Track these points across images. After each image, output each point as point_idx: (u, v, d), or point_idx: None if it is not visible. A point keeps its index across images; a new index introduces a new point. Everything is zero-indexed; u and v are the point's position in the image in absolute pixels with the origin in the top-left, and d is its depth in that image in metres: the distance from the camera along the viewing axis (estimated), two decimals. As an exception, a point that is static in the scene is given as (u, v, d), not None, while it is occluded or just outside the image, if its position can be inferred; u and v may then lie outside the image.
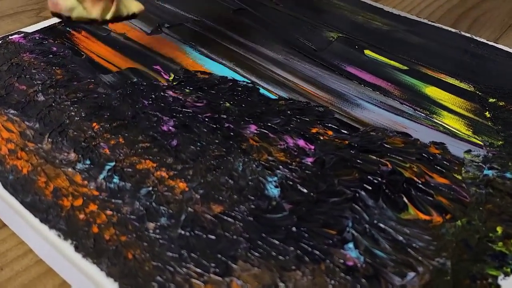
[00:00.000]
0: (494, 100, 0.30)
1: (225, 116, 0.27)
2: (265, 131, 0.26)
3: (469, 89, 0.31)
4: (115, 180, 0.22)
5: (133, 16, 0.28)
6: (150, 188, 0.22)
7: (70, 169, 0.23)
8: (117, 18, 0.27)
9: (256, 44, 0.34)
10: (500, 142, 0.27)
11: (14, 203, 0.21)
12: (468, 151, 0.26)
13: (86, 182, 0.22)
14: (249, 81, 0.30)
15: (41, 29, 0.34)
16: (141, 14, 0.28)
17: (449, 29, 0.38)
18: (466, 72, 0.33)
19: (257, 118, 0.27)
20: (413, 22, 0.39)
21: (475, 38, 0.37)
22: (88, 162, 0.23)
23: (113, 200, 0.21)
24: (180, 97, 0.28)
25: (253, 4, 0.40)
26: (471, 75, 0.32)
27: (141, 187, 0.22)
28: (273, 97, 0.29)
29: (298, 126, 0.27)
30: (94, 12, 0.26)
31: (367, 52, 0.34)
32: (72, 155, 0.23)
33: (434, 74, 0.32)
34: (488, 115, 0.29)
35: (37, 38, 0.32)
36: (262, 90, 0.29)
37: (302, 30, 0.37)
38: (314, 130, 0.27)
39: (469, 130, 0.27)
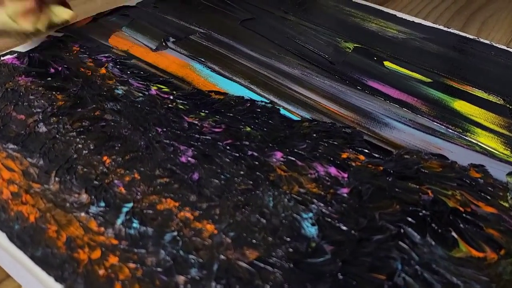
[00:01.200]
0: (526, 114, 0.28)
1: (247, 143, 0.25)
2: (292, 158, 0.24)
3: (499, 103, 0.29)
4: (135, 225, 0.20)
5: (67, 22, 0.30)
6: (176, 233, 0.20)
7: (83, 214, 0.20)
8: (51, 27, 0.29)
9: (269, 58, 0.32)
10: (541, 161, 0.25)
11: (23, 258, 0.18)
12: (511, 174, 0.24)
13: (102, 228, 0.20)
14: (268, 101, 0.28)
15: (36, 47, 0.31)
16: (74, 19, 0.30)
17: (467, 35, 0.37)
18: (492, 83, 0.31)
19: (281, 143, 0.25)
20: (429, 29, 0.37)
21: (495, 45, 0.35)
22: (102, 204, 0.21)
23: (135, 250, 0.19)
24: (196, 122, 0.26)
25: (260, 13, 0.37)
26: (497, 86, 0.31)
27: (165, 232, 0.20)
28: (295, 118, 0.27)
29: (327, 151, 0.25)
30: (26, 25, 0.28)
31: (386, 63, 0.33)
32: (84, 197, 0.21)
33: (459, 86, 0.31)
34: (523, 131, 0.27)
35: (33, 58, 0.30)
36: (282, 111, 0.27)
37: (314, 40, 0.34)
38: (344, 155, 0.24)
39: (507, 149, 0.26)
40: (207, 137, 0.25)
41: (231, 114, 0.27)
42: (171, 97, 0.27)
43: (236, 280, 0.18)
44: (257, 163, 0.24)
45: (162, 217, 0.20)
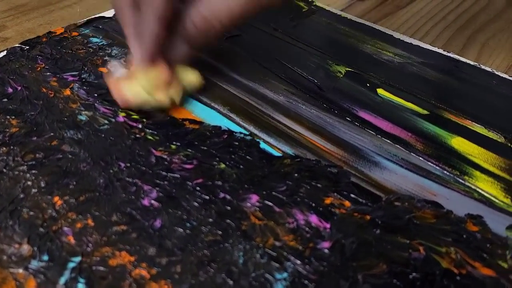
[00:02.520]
0: (528, 154, 0.26)
1: (220, 183, 0.22)
2: (269, 203, 0.21)
3: (499, 140, 0.27)
4: (80, 286, 0.17)
5: (196, 88, 0.27)
6: (127, 297, 0.17)
7: (21, 270, 0.17)
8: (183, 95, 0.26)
9: (253, 82, 0.29)
10: (544, 213, 0.23)
11: None
12: (510, 227, 0.22)
13: (42, 290, 0.17)
14: (247, 133, 0.25)
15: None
16: (202, 85, 0.27)
17: (467, 61, 0.34)
18: (493, 117, 0.29)
19: (258, 184, 0.22)
20: (427, 53, 0.35)
21: (497, 73, 0.33)
22: (45, 257, 0.18)
23: (77, 319, 0.16)
24: (165, 157, 0.23)
25: (248, 29, 0.35)
26: (498, 121, 0.28)
27: (114, 295, 0.17)
28: (276, 154, 0.24)
29: (309, 196, 0.22)
30: (164, 99, 0.25)
31: (380, 91, 0.30)
32: (26, 248, 0.18)
33: (458, 120, 0.28)
34: (526, 176, 0.25)
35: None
36: (262, 145, 0.25)
37: (303, 62, 0.32)
38: (328, 201, 0.22)
39: (507, 197, 0.23)
40: (176, 175, 0.22)
41: (205, 148, 0.24)
42: (140, 126, 0.25)
43: None
44: (229, 208, 0.21)
45: (113, 276, 0.18)
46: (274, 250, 0.19)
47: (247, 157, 0.24)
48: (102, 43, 0.31)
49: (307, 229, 0.20)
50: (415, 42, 0.36)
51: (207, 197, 0.21)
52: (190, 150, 0.24)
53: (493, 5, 0.54)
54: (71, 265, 0.18)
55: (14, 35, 0.35)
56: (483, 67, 0.34)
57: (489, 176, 0.24)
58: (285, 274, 0.19)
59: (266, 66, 0.31)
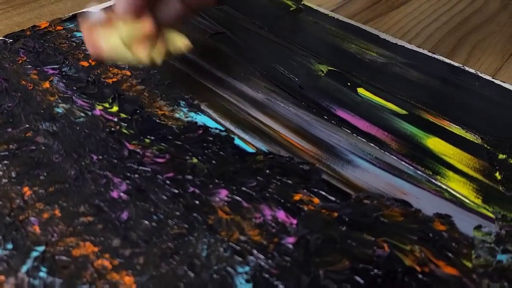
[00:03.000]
0: (504, 156, 0.26)
1: (190, 177, 0.22)
2: (238, 198, 0.22)
3: (476, 141, 0.27)
4: (42, 274, 0.17)
5: (182, 53, 0.24)
6: (87, 286, 0.17)
7: (-16, 258, 0.18)
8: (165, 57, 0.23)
9: (234, 78, 0.30)
10: (515, 214, 0.23)
11: None
12: (478, 228, 0.22)
13: (3, 277, 0.17)
14: (223, 128, 0.26)
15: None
16: (189, 50, 0.24)
17: (452, 63, 0.34)
18: (472, 118, 0.29)
19: (229, 179, 0.22)
20: (412, 53, 0.35)
21: (480, 75, 0.33)
22: (10, 246, 0.18)
23: (34, 307, 0.16)
24: (138, 150, 0.23)
25: (233, 27, 0.35)
26: (477, 123, 0.28)
27: (75, 285, 0.17)
28: (250, 150, 0.24)
29: (278, 192, 0.22)
30: (142, 54, 0.22)
31: (360, 91, 0.30)
32: (-9, 236, 0.18)
33: (436, 120, 0.28)
34: (499, 177, 0.25)
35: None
36: (237, 141, 0.25)
37: (286, 61, 0.32)
38: (297, 197, 0.22)
39: (478, 198, 0.23)
40: (147, 168, 0.22)
41: (179, 142, 0.24)
42: (116, 119, 0.25)
43: None
44: (197, 202, 0.21)
45: (76, 265, 0.18)
46: (238, 244, 0.20)
47: (220, 152, 0.24)
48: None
49: (273, 224, 0.21)
50: (400, 42, 0.36)
51: (176, 191, 0.21)
52: (163, 145, 0.24)
53: (486, 8, 0.54)
54: (34, 254, 0.18)
55: (3, 29, 0.35)
56: (467, 69, 0.34)
57: (462, 177, 0.24)
58: (247, 268, 0.19)
59: (248, 63, 0.31)
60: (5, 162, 0.22)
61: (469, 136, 0.27)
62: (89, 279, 0.17)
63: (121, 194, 0.21)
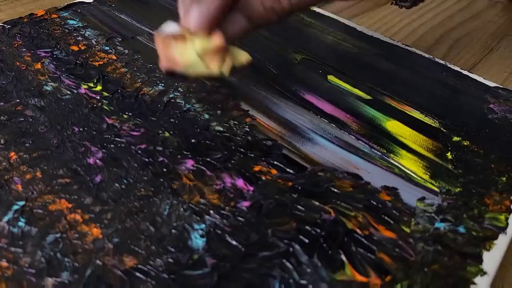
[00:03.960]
0: (458, 138, 0.28)
1: (161, 149, 0.25)
2: (202, 167, 0.24)
3: (434, 125, 0.29)
4: (20, 224, 0.20)
5: (243, 67, 0.24)
6: (59, 235, 0.20)
7: (-28, 209, 0.20)
8: (232, 70, 0.23)
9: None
10: (458, 189, 0.25)
11: None
12: (422, 199, 0.24)
13: (-13, 225, 0.20)
14: (198, 108, 0.28)
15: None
16: (248, 65, 0.24)
17: (424, 54, 0.36)
18: (434, 105, 0.31)
19: (196, 152, 0.25)
20: (386, 45, 0.37)
21: (449, 65, 0.35)
22: (-6, 200, 0.21)
23: (12, 249, 0.19)
24: (116, 124, 0.26)
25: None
26: (438, 109, 0.30)
27: (48, 233, 0.20)
28: (220, 128, 0.27)
29: (240, 163, 0.24)
30: (213, 66, 0.22)
31: (330, 78, 0.32)
32: (-22, 192, 0.21)
33: (398, 106, 0.30)
34: (450, 157, 0.27)
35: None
36: (207, 118, 0.27)
37: (264, 49, 0.34)
38: (257, 168, 0.24)
39: (426, 174, 0.25)
40: (122, 139, 0.25)
41: (154, 118, 0.27)
42: (98, 97, 0.27)
43: (106, 287, 0.18)
44: (165, 170, 0.24)
45: (51, 218, 0.20)
46: (198, 206, 0.22)
47: (192, 128, 0.26)
48: (77, 25, 0.34)
49: (232, 190, 0.23)
50: (376, 35, 0.38)
51: (147, 160, 0.24)
52: (139, 120, 0.26)
53: (474, 6, 0.55)
54: (15, 207, 0.21)
55: (6, 17, 0.38)
56: (436, 59, 0.36)
57: (414, 155, 0.26)
58: (202, 226, 0.21)
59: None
60: (-4, 131, 0.24)
61: (428, 120, 0.29)
62: (62, 229, 0.20)
63: (97, 160, 0.23)
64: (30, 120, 0.25)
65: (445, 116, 0.30)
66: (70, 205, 0.21)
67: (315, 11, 0.41)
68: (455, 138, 0.28)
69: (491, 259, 0.21)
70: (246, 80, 0.31)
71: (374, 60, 0.35)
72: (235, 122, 0.27)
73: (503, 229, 0.23)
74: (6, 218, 0.20)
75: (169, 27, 0.22)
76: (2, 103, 0.26)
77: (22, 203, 0.21)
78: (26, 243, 0.19)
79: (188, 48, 0.22)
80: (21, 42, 0.31)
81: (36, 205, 0.21)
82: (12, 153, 0.23)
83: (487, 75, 0.40)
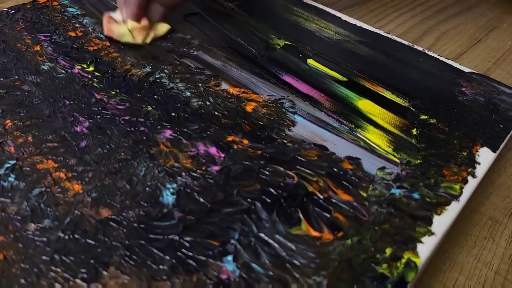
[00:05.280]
0: (426, 117, 0.30)
1: (142, 120, 0.27)
2: (179, 137, 0.26)
3: (404, 105, 0.31)
4: (10, 179, 0.22)
5: (165, 35, 0.35)
6: (44, 189, 0.22)
7: (-31, 166, 0.23)
8: (154, 40, 0.34)
9: (198, 50, 0.34)
10: (418, 161, 0.26)
11: None
12: (382, 168, 0.25)
13: (-19, 179, 0.22)
14: (181, 87, 0.30)
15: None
16: (168, 33, 0.35)
17: (404, 42, 0.38)
18: (407, 87, 0.32)
19: (176, 123, 0.27)
20: (367, 33, 0.38)
21: (427, 52, 0.37)
22: (-11, 159, 0.23)
23: (1, 199, 0.21)
24: (104, 99, 0.28)
25: (208, 9, 0.40)
26: (411, 91, 0.32)
27: (34, 187, 0.22)
28: (199, 103, 0.29)
29: (215, 134, 0.26)
30: (139, 39, 0.33)
31: (310, 61, 0.34)
32: (-25, 152, 0.24)
33: (372, 87, 0.32)
34: (415, 132, 0.28)
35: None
36: (188, 95, 0.29)
37: (248, 36, 0.36)
38: (229, 138, 0.26)
39: (390, 147, 0.27)
40: (108, 112, 0.27)
41: (139, 95, 0.29)
42: (90, 76, 0.30)
43: (81, 233, 0.20)
44: (145, 138, 0.26)
45: (38, 175, 0.23)
46: (171, 169, 0.24)
47: (173, 103, 0.28)
48: (76, 12, 0.37)
49: (204, 156, 0.25)
50: (359, 24, 0.40)
51: (129, 129, 0.26)
52: (125, 96, 0.29)
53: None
54: (6, 165, 0.23)
55: (13, 5, 0.41)
56: (415, 47, 0.37)
57: (380, 130, 0.28)
58: (174, 185, 0.23)
59: (212, 37, 0.36)
60: (-6, 102, 0.27)
61: (399, 100, 0.31)
62: (47, 184, 0.22)
63: (84, 129, 0.26)
64: (26, 93, 0.28)
65: (416, 97, 0.31)
66: (56, 165, 0.23)
67: (303, 1, 0.43)
68: (423, 116, 0.30)
69: (441, 222, 0.23)
70: (229, 63, 0.33)
71: (354, 46, 0.36)
72: (215, 98, 0.29)
73: (457, 197, 0.24)
74: (-2, 174, 0.23)
75: (115, 14, 0.34)
76: (2, 79, 0.29)
77: (13, 162, 0.23)
78: (14, 195, 0.22)
79: (122, 25, 0.33)
80: (23, 26, 0.34)
81: (25, 164, 0.23)
82: (8, 121, 0.26)
83: (470, 65, 0.42)
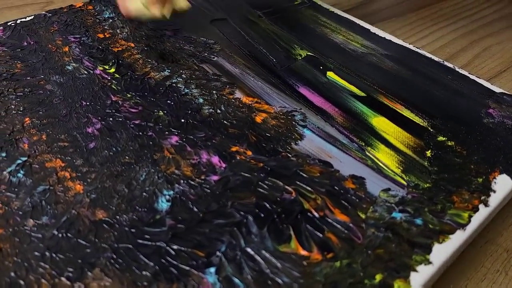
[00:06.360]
0: (444, 139, 0.28)
1: (152, 125, 0.28)
2: (185, 144, 0.26)
3: (422, 124, 0.29)
4: (19, 175, 0.24)
5: (184, 11, 0.34)
6: (47, 187, 0.23)
7: (-16, 159, 0.24)
8: (173, 13, 0.33)
9: (218, 55, 0.35)
10: (428, 185, 0.25)
11: None
12: (386, 190, 0.25)
13: (-8, 173, 0.24)
14: (196, 93, 0.31)
15: (24, 21, 0.36)
16: (189, 10, 0.34)
17: (433, 57, 0.36)
18: (428, 105, 0.31)
19: (183, 130, 0.27)
20: (395, 46, 0.37)
21: (457, 69, 0.35)
22: (3, 154, 0.25)
23: (7, 194, 0.23)
24: (119, 102, 0.29)
25: (234, 15, 0.40)
26: (432, 110, 0.31)
27: (39, 185, 0.23)
28: (210, 110, 0.29)
29: (221, 142, 0.27)
30: (156, 12, 0.32)
31: (329, 74, 0.34)
32: (-8, 146, 0.25)
33: (390, 104, 0.31)
34: (429, 154, 0.27)
35: (15, 31, 0.35)
36: (200, 101, 0.30)
37: (271, 44, 0.36)
38: (234, 149, 0.26)
39: (399, 168, 0.26)
40: (121, 115, 0.28)
41: (153, 99, 0.30)
42: (109, 78, 0.31)
43: (75, 232, 0.21)
44: (151, 143, 0.26)
45: (45, 173, 0.24)
46: (171, 175, 0.24)
47: (185, 110, 0.29)
48: (108, 16, 0.38)
49: (205, 165, 0.25)
50: (388, 36, 0.39)
51: (137, 133, 0.27)
52: (139, 99, 0.29)
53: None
54: (18, 161, 0.24)
55: (60, 5, 0.44)
56: (446, 63, 0.36)
57: (391, 150, 0.27)
58: (171, 192, 0.24)
59: (236, 44, 0.36)
60: (18, 100, 0.28)
61: (417, 119, 0.30)
62: (51, 183, 0.23)
63: (95, 130, 0.27)
64: (48, 93, 0.29)
65: (436, 116, 0.30)
66: (63, 164, 0.25)
67: (333, 12, 0.42)
68: (440, 138, 0.28)
69: (441, 251, 0.22)
70: (247, 71, 0.33)
71: (379, 60, 0.35)
72: (226, 107, 0.29)
73: (463, 226, 0.23)
74: (9, 169, 0.24)
75: None
76: (29, 78, 0.30)
77: (24, 158, 0.25)
78: (20, 190, 0.23)
79: (137, 2, 0.31)
80: (56, 28, 0.36)
81: (35, 161, 0.24)
82: (27, 119, 0.27)
83: (509, 85, 0.39)
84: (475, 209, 0.24)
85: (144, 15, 0.32)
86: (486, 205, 0.24)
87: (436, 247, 0.22)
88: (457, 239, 0.22)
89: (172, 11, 0.33)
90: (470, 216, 0.23)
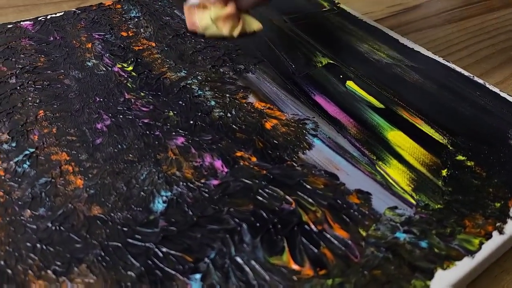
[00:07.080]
0: (463, 158, 0.27)
1: (160, 124, 0.27)
2: (190, 145, 0.26)
3: (441, 141, 0.28)
4: (25, 165, 0.24)
5: (254, 33, 0.31)
6: (49, 179, 0.23)
7: (-5, 147, 0.25)
8: (242, 34, 0.30)
9: (237, 59, 0.34)
10: (439, 206, 0.24)
11: None
12: (393, 208, 0.23)
13: (0, 161, 0.24)
14: (208, 95, 0.30)
15: (53, 16, 0.37)
16: (260, 32, 0.31)
17: (463, 72, 0.34)
18: (451, 122, 0.29)
19: (191, 131, 0.27)
20: (422, 58, 0.36)
21: (487, 86, 0.33)
22: (14, 144, 0.25)
23: (10, 183, 0.23)
24: (132, 100, 0.29)
25: (260, 20, 0.39)
26: (454, 127, 0.29)
27: (42, 176, 0.24)
28: (220, 113, 0.29)
29: (226, 147, 0.26)
30: (225, 30, 0.29)
31: (349, 83, 0.33)
32: (4, 136, 0.26)
33: (410, 117, 0.30)
34: (444, 173, 0.26)
35: (43, 26, 0.36)
36: (212, 104, 0.29)
37: (292, 50, 0.36)
38: (239, 154, 0.26)
39: (409, 186, 0.25)
40: (131, 113, 0.28)
41: (166, 99, 0.30)
42: (126, 75, 0.31)
43: (68, 226, 0.21)
44: (156, 142, 0.26)
45: (49, 165, 0.24)
46: (171, 176, 0.24)
47: (195, 111, 0.29)
48: (135, 14, 0.39)
49: (207, 169, 0.25)
50: (417, 48, 0.37)
51: (145, 132, 0.27)
52: (152, 98, 0.29)
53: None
54: (26, 152, 0.25)
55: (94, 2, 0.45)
56: (476, 79, 0.34)
57: (404, 166, 0.26)
58: (168, 193, 0.23)
59: (256, 47, 0.36)
60: (36, 92, 0.29)
61: (437, 135, 0.28)
62: (53, 175, 0.24)
63: (104, 127, 0.27)
64: (65, 87, 0.30)
65: (458, 134, 0.28)
66: (68, 158, 0.25)
67: (361, 20, 0.41)
68: (459, 157, 0.27)
69: (444, 278, 0.20)
70: (263, 76, 0.33)
71: (404, 72, 0.34)
72: (237, 111, 0.29)
73: (472, 253, 0.21)
74: (16, 159, 0.24)
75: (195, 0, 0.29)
76: (50, 71, 0.31)
77: (32, 150, 0.25)
78: (23, 181, 0.23)
79: (205, 14, 0.29)
80: (83, 25, 0.37)
81: (42, 153, 0.25)
82: (41, 111, 0.28)
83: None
84: (488, 236, 0.22)
85: (210, 32, 0.29)
86: (500, 232, 0.22)
87: (439, 273, 0.20)
88: (464, 266, 0.21)
89: (241, 32, 0.30)
90: (481, 243, 0.22)
